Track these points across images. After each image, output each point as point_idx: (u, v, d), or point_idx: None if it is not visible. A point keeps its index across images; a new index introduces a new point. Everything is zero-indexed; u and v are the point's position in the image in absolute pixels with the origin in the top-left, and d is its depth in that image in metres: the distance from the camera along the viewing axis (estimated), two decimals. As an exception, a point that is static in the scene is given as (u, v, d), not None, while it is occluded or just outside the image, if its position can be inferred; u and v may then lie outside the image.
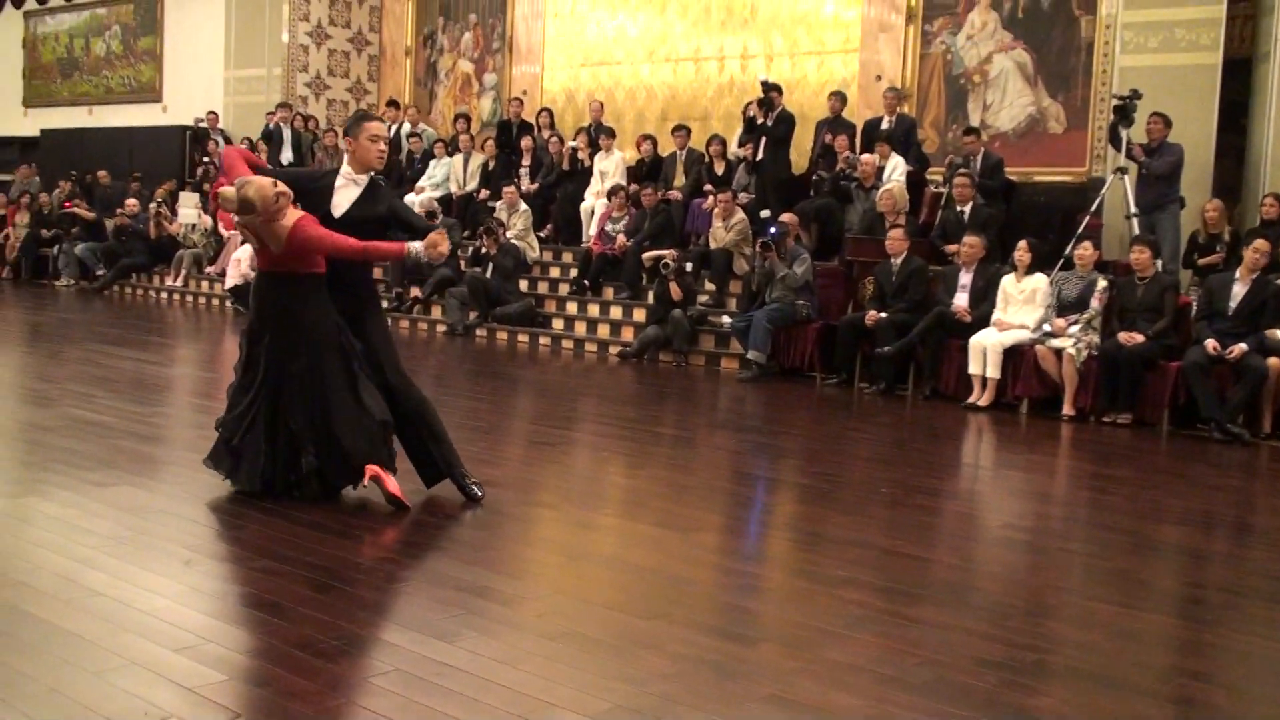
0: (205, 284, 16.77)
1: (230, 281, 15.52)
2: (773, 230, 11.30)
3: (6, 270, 19.31)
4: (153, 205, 17.65)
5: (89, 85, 22.05)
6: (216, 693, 3.31)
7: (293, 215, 5.43)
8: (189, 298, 16.80)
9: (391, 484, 5.45)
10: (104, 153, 20.24)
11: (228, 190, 5.37)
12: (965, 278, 10.37)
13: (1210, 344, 8.85)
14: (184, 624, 3.85)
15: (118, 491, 5.58)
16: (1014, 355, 9.67)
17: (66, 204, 18.89)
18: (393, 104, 17.24)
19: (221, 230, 17.14)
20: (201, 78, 19.38)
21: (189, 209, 17.55)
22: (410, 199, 15.30)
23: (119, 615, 3.89)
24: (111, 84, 21.68)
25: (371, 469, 5.41)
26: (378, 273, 14.94)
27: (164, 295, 17.16)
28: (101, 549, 4.62)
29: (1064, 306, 9.71)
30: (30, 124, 22.68)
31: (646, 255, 12.55)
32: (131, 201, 17.98)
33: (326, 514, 5.37)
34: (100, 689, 3.31)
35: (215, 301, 16.26)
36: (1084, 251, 9.82)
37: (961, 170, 11.39)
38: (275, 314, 5.53)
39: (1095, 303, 9.55)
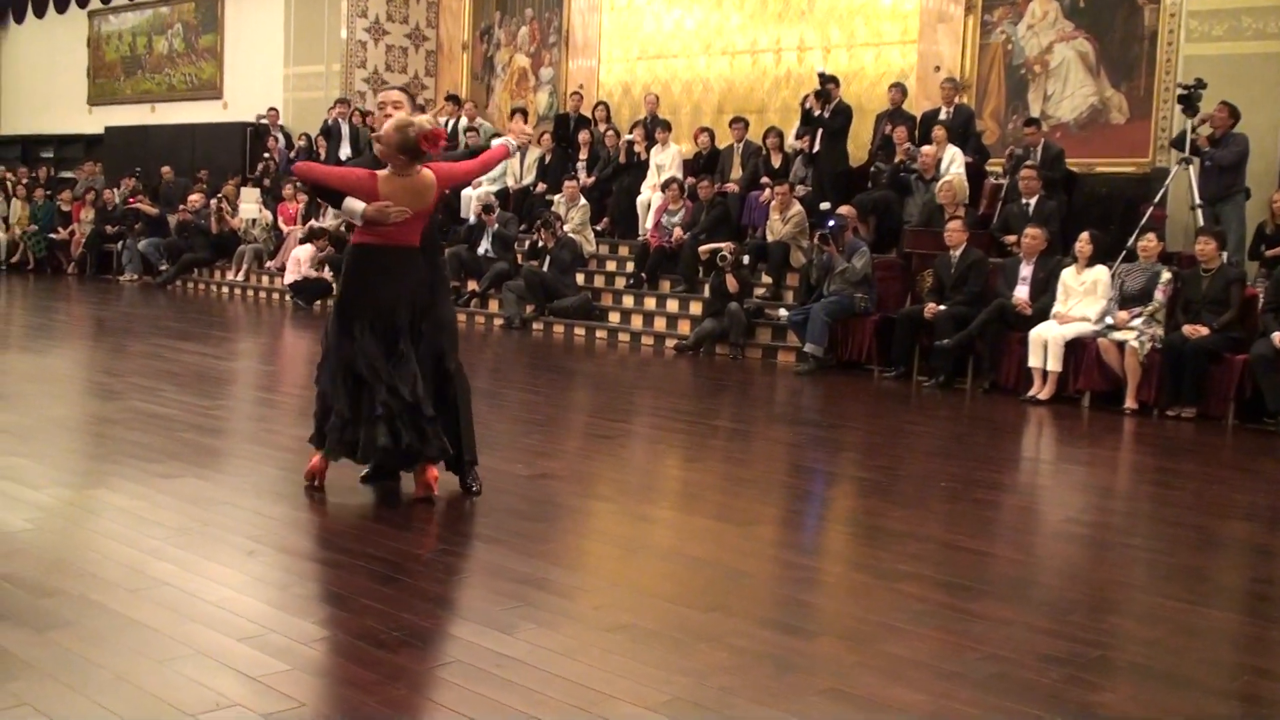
0: (265, 279, 16.95)
1: (290, 278, 15.69)
2: (832, 223, 11.24)
3: (72, 265, 19.63)
4: (214, 201, 17.87)
5: (152, 83, 22.35)
6: (280, 682, 3.35)
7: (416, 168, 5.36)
8: (250, 292, 16.99)
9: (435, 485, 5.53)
10: (166, 149, 20.52)
11: (422, 120, 5.28)
12: (1026, 270, 10.26)
13: (1277, 337, 8.70)
14: (248, 614, 3.90)
15: (183, 483, 5.65)
16: (1075, 348, 9.56)
17: (131, 200, 19.17)
18: (452, 99, 17.32)
19: (282, 225, 17.34)
20: (261, 75, 19.59)
21: (250, 204, 17.75)
22: (467, 193, 15.40)
23: (185, 605, 3.95)
24: (174, 81, 21.96)
25: (435, 472, 5.48)
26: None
27: (225, 290, 17.37)
28: (167, 540, 4.68)
29: (1127, 299, 9.58)
30: (95, 121, 23.02)
31: (703, 248, 12.53)
32: (195, 197, 18.21)
33: (387, 506, 5.42)
34: (166, 677, 3.35)
35: (275, 296, 16.43)
36: (1147, 243, 9.68)
37: (1027, 164, 11.26)
38: (400, 291, 5.42)
39: (1159, 295, 9.42)
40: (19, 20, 24.60)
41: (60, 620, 3.74)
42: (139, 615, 3.82)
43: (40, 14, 23.88)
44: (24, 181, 20.54)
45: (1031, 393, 9.65)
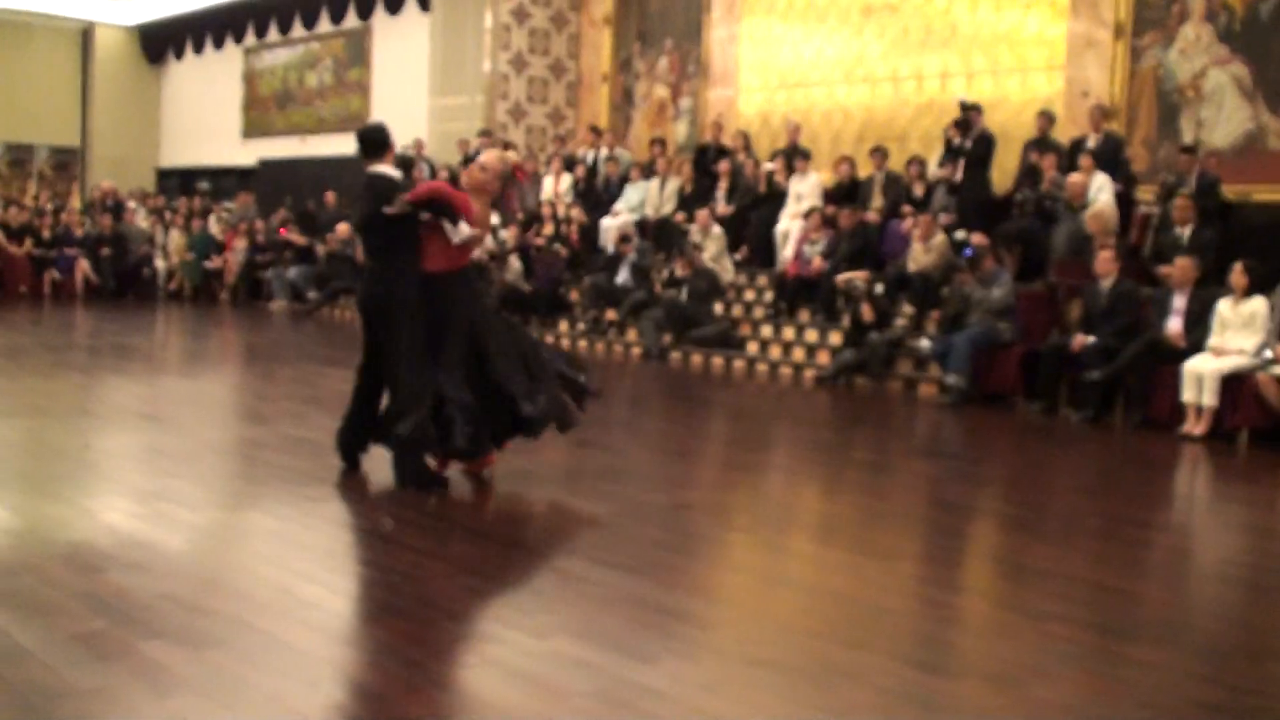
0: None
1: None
2: (968, 252, 11.07)
3: (226, 293, 20.30)
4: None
5: (302, 116, 23.07)
6: (419, 704, 3.40)
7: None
8: (394, 319, 17.30)
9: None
10: (316, 180, 21.08)
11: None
12: (1178, 301, 9.95)
13: None
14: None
15: (330, 506, 5.79)
16: (1232, 383, 9.22)
17: (281, 230, 19.73)
18: (594, 130, 17.54)
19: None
20: (407, 106, 20.03)
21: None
22: (606, 223, 15.55)
23: (332, 627, 4.03)
24: (323, 114, 22.63)
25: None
26: (574, 294, 15.24)
27: (370, 317, 17.71)
28: (316, 563, 4.79)
29: (1286, 332, 9.22)
30: (248, 154, 23.85)
31: (840, 278, 12.43)
32: (342, 227, 18.67)
33: (523, 531, 5.48)
34: (316, 699, 3.43)
35: (418, 323, 16.70)
36: (1309, 274, 9.32)
37: (1182, 191, 10.92)
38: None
39: (1321, 328, 9.06)
40: (179, 57, 25.70)
41: (214, 639, 3.85)
42: (289, 637, 3.91)
43: (199, 51, 24.96)
44: (183, 212, 21.32)
45: (1185, 429, 9.33)
